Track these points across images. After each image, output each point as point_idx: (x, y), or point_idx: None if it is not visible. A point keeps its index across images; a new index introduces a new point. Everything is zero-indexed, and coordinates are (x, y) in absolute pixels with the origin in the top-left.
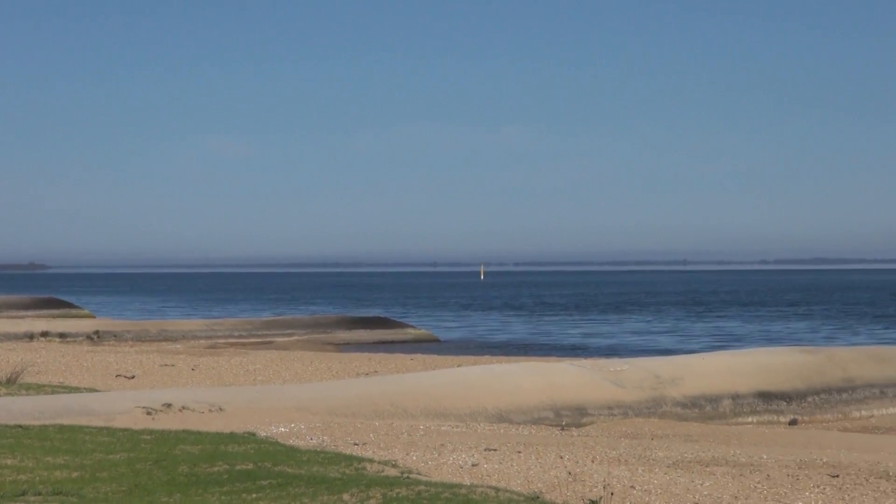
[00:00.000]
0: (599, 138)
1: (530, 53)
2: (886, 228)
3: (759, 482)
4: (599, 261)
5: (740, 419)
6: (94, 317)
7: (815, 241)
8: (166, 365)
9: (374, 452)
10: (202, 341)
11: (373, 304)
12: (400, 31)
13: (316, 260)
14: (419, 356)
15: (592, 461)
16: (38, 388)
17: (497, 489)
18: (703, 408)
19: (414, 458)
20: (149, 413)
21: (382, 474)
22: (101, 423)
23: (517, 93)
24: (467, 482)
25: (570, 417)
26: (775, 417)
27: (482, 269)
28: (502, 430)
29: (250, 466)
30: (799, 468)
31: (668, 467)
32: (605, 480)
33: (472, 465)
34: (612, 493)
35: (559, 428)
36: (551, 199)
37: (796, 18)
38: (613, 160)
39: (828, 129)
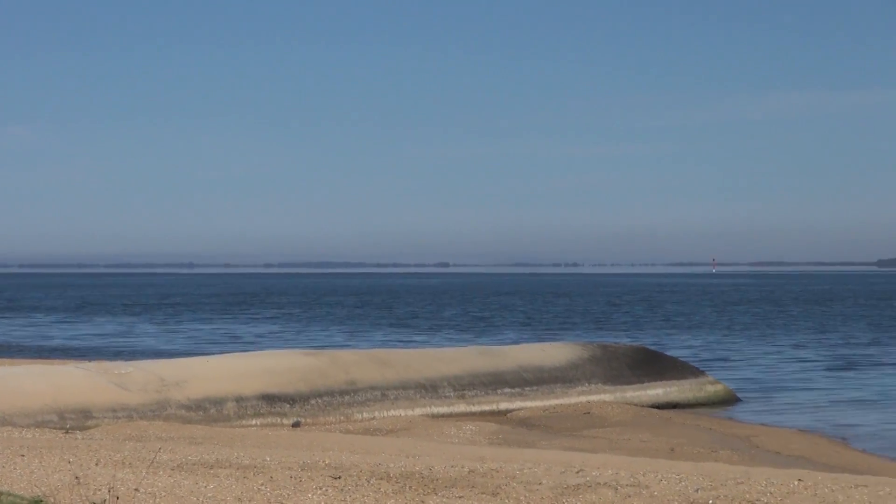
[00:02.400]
0: (103, 138)
1: (38, 50)
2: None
3: (262, 484)
4: (105, 263)
5: (244, 422)
6: None
7: (315, 243)
8: None
9: None
10: None
11: None
12: None
13: None
14: None
15: (97, 464)
16: None
17: None
18: (208, 410)
19: None
20: None
21: None
22: None
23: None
24: None
25: (75, 420)
26: (279, 420)
27: None
28: (5, 434)
29: None
30: (302, 470)
31: (173, 470)
32: (110, 483)
33: None
34: (117, 497)
35: (63, 431)
36: (57, 199)
37: None
38: (117, 161)
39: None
